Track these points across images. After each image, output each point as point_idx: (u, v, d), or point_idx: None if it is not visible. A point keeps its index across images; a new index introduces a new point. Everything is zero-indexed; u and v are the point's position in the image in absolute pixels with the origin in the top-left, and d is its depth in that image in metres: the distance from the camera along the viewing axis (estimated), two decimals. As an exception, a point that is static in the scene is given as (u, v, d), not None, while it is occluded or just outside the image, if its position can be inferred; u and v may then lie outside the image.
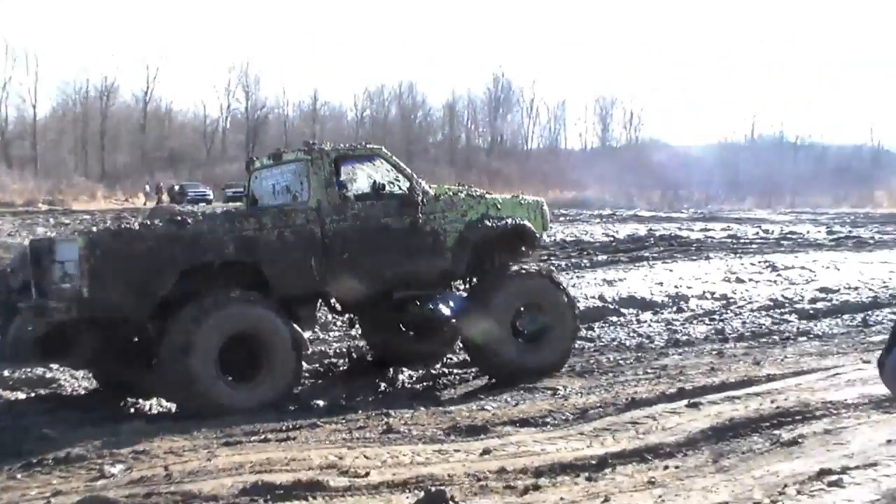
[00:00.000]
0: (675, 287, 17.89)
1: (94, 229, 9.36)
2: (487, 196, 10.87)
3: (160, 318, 8.78)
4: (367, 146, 10.59)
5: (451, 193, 10.60)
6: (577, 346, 11.77)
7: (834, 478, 5.56)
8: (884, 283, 18.33)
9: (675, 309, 15.43)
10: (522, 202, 11.14)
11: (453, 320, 10.46)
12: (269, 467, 6.22)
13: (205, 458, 6.60)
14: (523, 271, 10.59)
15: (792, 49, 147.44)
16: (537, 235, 11.24)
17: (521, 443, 7.01)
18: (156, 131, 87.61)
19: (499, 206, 10.82)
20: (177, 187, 63.17)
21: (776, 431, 6.86)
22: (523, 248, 11.18)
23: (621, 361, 10.96)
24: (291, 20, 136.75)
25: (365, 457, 6.57)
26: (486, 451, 6.71)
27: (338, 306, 10.85)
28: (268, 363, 8.98)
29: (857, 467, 5.77)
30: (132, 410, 9.59)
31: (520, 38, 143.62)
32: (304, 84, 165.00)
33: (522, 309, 10.45)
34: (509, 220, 10.80)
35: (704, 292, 17.37)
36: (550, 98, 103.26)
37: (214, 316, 8.70)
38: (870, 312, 14.98)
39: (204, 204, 51.90)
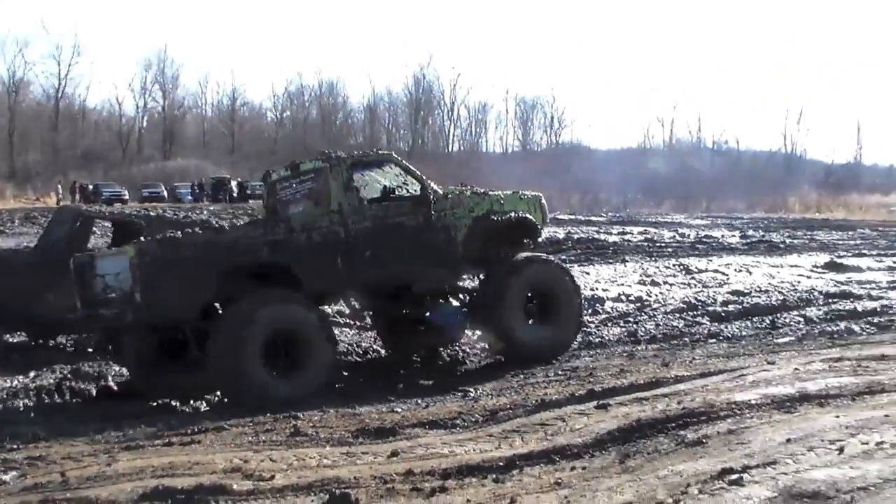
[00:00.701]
0: (591, 290, 18.09)
1: (143, 240, 10.20)
2: (491, 193, 11.77)
3: (202, 320, 9.60)
4: (379, 152, 11.55)
5: (457, 192, 11.52)
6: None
7: (735, 476, 5.65)
8: (792, 286, 18.78)
9: (590, 311, 15.57)
10: (523, 197, 12.03)
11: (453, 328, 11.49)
12: (171, 471, 6.12)
13: (104, 462, 6.47)
14: (532, 259, 11.71)
15: (708, 53, 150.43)
16: (539, 227, 12.22)
17: (429, 445, 7.00)
18: (69, 130, 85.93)
19: (502, 201, 11.74)
20: (90, 187, 61.98)
21: (681, 432, 6.95)
22: (527, 240, 12.14)
23: (532, 363, 11.00)
24: (211, 18, 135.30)
25: (271, 460, 6.50)
26: (394, 454, 6.69)
27: (356, 303, 11.66)
28: (307, 357, 9.73)
29: (757, 466, 5.87)
30: (32, 415, 9.37)
31: (442, 40, 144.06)
32: (223, 83, 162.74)
33: (531, 294, 11.41)
34: (513, 214, 11.74)
35: (620, 295, 17.61)
36: (472, 100, 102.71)
37: (261, 313, 9.45)
38: (778, 315, 15.34)
39: (119, 204, 50.96)
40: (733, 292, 17.76)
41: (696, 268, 22.33)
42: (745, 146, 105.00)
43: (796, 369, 9.41)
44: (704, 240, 31.28)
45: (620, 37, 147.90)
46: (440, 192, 11.31)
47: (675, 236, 34.46)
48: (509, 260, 11.62)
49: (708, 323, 14.43)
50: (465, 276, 12.02)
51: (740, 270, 21.89)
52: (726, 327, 14.19)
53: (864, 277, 20.83)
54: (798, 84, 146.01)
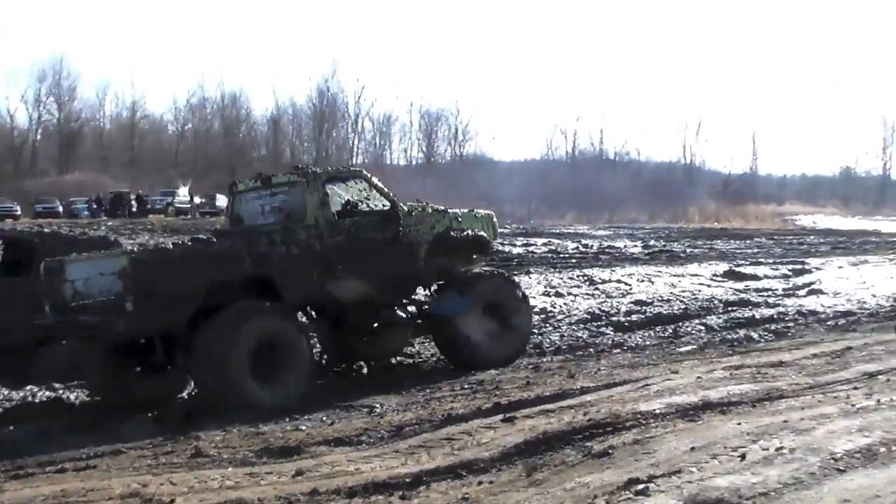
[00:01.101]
0: (496, 302, 18.15)
1: (133, 248, 10.64)
2: (449, 211, 12.45)
3: (188, 328, 9.77)
4: (351, 168, 12.32)
5: (419, 209, 12.04)
6: (395, 361, 12.59)
7: (641, 486, 5.69)
8: (693, 295, 19.19)
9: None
10: (477, 215, 12.86)
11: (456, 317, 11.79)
12: (63, 500, 5.89)
13: (-10, 493, 6.20)
14: (486, 273, 12.60)
15: (610, 65, 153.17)
16: (491, 244, 13.07)
17: (335, 463, 6.89)
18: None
19: (459, 219, 12.46)
20: (-21, 201, 59.90)
21: (588, 443, 6.98)
22: (480, 255, 12.83)
23: (437, 377, 10.99)
24: (110, 29, 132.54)
25: (171, 483, 6.31)
26: (298, 473, 6.57)
27: (313, 313, 11.92)
28: (289, 366, 10.09)
29: (662, 475, 5.92)
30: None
31: (346, 51, 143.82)
32: (123, 95, 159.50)
33: (486, 305, 12.02)
34: (470, 232, 12.45)
35: (525, 307, 17.71)
36: (376, 112, 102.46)
37: (248, 322, 9.79)
38: (680, 324, 15.65)
39: (11, 221, 49.44)
40: (636, 302, 18.06)
41: (600, 278, 22.65)
42: (646, 157, 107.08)
43: (699, 378, 9.57)
44: (607, 250, 31.77)
45: (523, 48, 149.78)
46: (405, 208, 11.81)
47: (578, 247, 34.89)
48: (465, 274, 12.36)
49: (612, 333, 14.62)
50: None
51: (643, 280, 22.26)
52: (630, 337, 14.40)
53: (762, 285, 21.43)
54: (696, 95, 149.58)
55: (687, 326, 15.47)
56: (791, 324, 15.53)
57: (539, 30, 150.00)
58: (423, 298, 12.49)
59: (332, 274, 10.91)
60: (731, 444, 6.64)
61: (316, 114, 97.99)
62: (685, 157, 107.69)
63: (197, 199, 47.65)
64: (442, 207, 12.52)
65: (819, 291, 20.07)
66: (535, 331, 15.24)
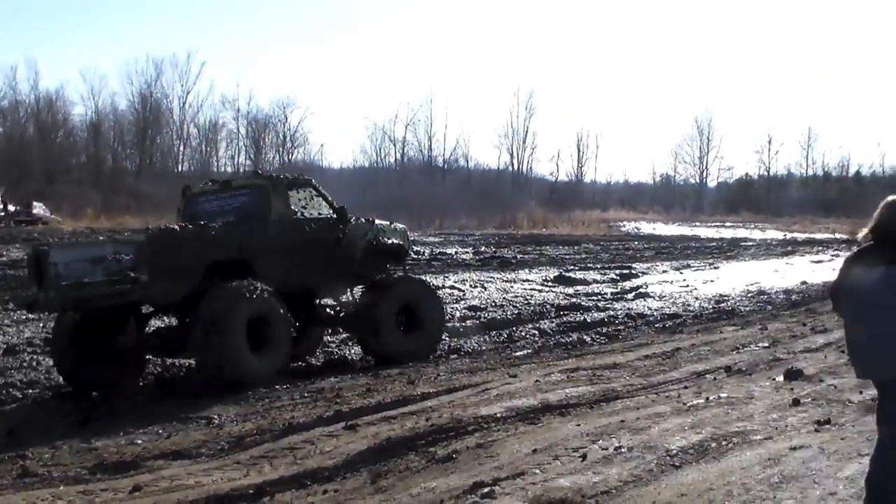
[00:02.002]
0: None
1: (150, 229, 11.84)
2: (376, 222, 13.98)
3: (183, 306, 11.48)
4: (303, 177, 13.51)
5: (353, 218, 13.40)
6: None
7: (486, 490, 5.79)
8: (526, 300, 19.60)
9: (329, 332, 15.56)
10: (396, 228, 14.35)
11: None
12: None
13: None
14: (405, 277, 14.13)
15: (438, 71, 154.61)
16: (408, 253, 14.92)
17: (174, 477, 6.73)
18: None
19: (385, 230, 13.95)
20: None
21: (431, 448, 7.05)
22: (396, 263, 14.25)
23: (277, 386, 10.86)
24: None
25: (-4, 506, 6.02)
26: (136, 488, 6.38)
27: None
28: (273, 339, 11.47)
29: (506, 478, 6.05)
30: None
31: (169, 54, 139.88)
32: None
33: (403, 306, 13.33)
34: (393, 241, 13.96)
35: (360, 314, 17.70)
36: (202, 119, 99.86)
37: (246, 299, 11.16)
38: (514, 328, 15.99)
39: None
40: (470, 308, 18.31)
41: (433, 285, 22.80)
42: (474, 164, 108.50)
43: (537, 381, 9.80)
44: (439, 256, 32.04)
45: (349, 51, 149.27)
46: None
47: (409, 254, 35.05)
48: (386, 278, 13.72)
49: (448, 339, 14.78)
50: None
51: (475, 286, 22.55)
52: (466, 342, 14.61)
53: (591, 290, 22.10)
54: (522, 100, 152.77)
55: (521, 331, 15.81)
56: (622, 327, 16.08)
57: (362, 34, 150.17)
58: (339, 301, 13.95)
59: (291, 265, 12.37)
60: (571, 445, 6.84)
61: (139, 119, 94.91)
62: (513, 164, 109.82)
63: (11, 207, 45.70)
64: (371, 218, 14.10)
65: (646, 295, 20.86)
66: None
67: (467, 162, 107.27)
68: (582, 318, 17.10)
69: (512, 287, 22.51)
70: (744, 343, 12.61)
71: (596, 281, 24.41)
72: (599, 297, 20.66)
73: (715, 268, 29.67)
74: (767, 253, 38.02)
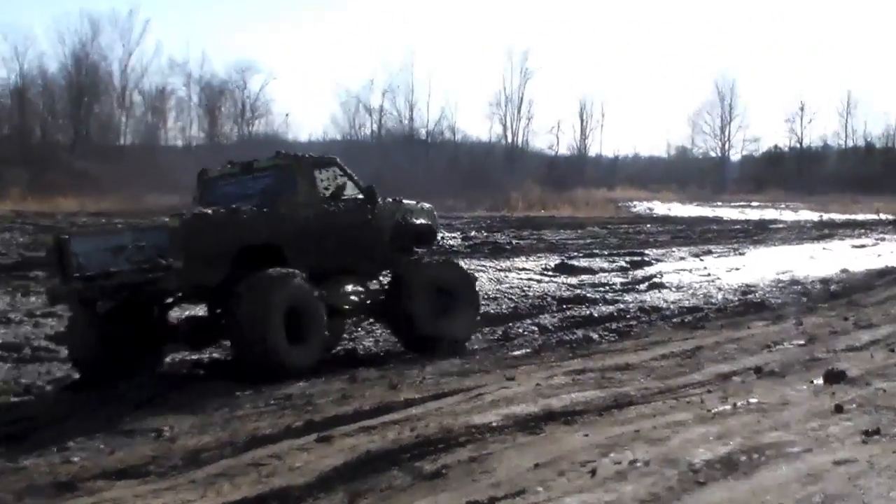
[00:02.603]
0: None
1: (182, 214, 12.53)
2: (403, 202, 15.10)
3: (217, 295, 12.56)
4: (328, 156, 14.50)
5: (379, 198, 14.42)
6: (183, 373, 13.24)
7: (482, 510, 5.78)
8: (523, 292, 19.63)
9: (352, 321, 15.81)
10: (424, 208, 15.51)
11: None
12: None
13: None
14: (437, 260, 15.46)
15: (419, 29, 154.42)
16: (436, 235, 16.15)
17: (118, 500, 6.70)
18: None
19: (412, 210, 15.15)
20: None
21: (417, 463, 7.03)
22: (425, 245, 15.67)
23: (238, 392, 10.85)
24: None
25: None
26: (73, 514, 6.34)
27: None
28: (313, 330, 12.60)
29: (504, 497, 6.02)
30: None
31: (108, 10, 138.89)
32: None
33: (436, 289, 14.36)
34: (421, 221, 15.19)
35: (331, 308, 17.73)
36: (147, 85, 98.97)
37: (284, 288, 12.25)
38: (511, 324, 16.06)
39: None
40: (460, 301, 18.30)
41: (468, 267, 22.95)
42: (462, 137, 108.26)
43: (537, 385, 9.80)
44: (424, 243, 32.10)
45: (317, 7, 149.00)
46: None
47: (390, 240, 35.11)
48: (417, 261, 14.89)
49: (435, 337, 14.76)
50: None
51: (466, 276, 22.56)
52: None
53: (598, 280, 22.21)
54: (516, 63, 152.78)
55: (519, 327, 15.88)
56: (634, 322, 16.18)
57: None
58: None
59: (321, 250, 13.36)
60: (579, 459, 6.82)
61: (72, 85, 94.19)
62: (506, 136, 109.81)
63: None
64: (398, 198, 15.17)
65: (661, 285, 20.99)
66: (346, 335, 15.32)
67: (454, 134, 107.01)
68: (588, 313, 17.17)
69: (507, 277, 22.54)
70: (776, 340, 12.64)
71: (603, 270, 24.49)
72: (608, 288, 20.74)
73: (740, 254, 29.84)
74: (801, 236, 38.29)
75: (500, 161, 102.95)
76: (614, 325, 15.78)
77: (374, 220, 14.32)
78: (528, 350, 13.72)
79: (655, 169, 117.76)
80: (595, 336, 14.79)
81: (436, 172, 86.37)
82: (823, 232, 40.64)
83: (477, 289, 15.49)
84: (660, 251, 30.36)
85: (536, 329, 15.71)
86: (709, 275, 23.24)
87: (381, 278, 15.03)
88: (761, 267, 24.71)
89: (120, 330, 12.91)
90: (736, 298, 18.73)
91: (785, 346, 12.20)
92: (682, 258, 28.26)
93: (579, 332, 15.11)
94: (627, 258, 27.46)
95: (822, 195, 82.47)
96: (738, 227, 44.38)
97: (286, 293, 12.25)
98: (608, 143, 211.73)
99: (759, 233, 40.23)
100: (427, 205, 15.83)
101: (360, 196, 14.20)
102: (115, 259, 12.36)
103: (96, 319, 12.91)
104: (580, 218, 50.69)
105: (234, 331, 12.20)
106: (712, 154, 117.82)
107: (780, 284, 20.76)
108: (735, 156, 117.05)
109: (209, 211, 12.69)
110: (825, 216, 56.05)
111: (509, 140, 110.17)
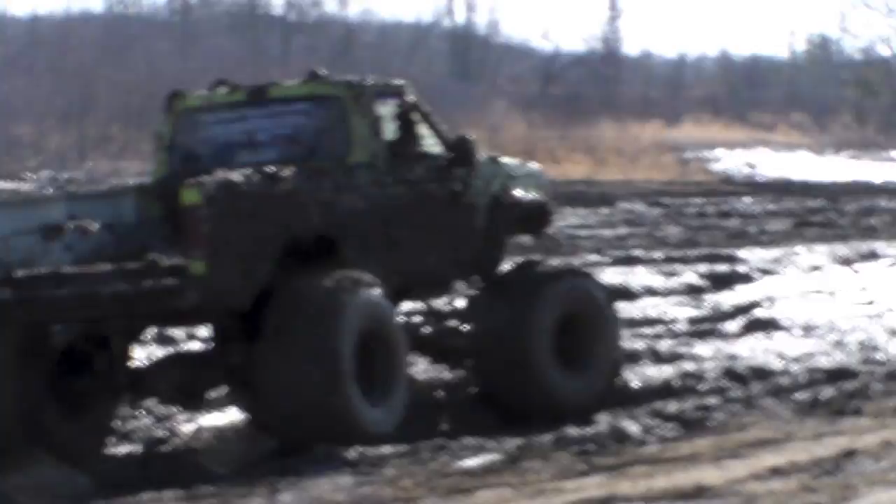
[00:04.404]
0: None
1: (200, 182, 13.52)
2: (500, 160, 17.19)
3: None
4: (393, 82, 16.46)
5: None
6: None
7: None
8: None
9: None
10: (532, 171, 17.88)
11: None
12: None
13: None
14: (565, 269, 17.98)
15: None
16: (552, 217, 18.29)
17: None
18: None
19: (516, 175, 17.20)
20: None
21: None
22: (531, 234, 18.35)
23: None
24: None
25: None
26: None
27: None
28: (393, 370, 14.38)
29: None
30: None
31: None
32: None
33: (562, 325, 16.23)
34: (531, 195, 17.20)
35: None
36: None
37: (357, 305, 13.89)
38: (457, 406, 16.11)
39: None
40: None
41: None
42: (362, 13, 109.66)
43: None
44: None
45: None
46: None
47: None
48: (531, 269, 16.96)
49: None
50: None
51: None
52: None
53: (642, 312, 22.47)
54: None
55: (474, 411, 15.93)
56: (715, 399, 16.23)
57: None
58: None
59: (391, 244, 15.14)
60: None
61: None
62: (451, 13, 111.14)
63: None
64: (494, 154, 17.43)
65: (771, 325, 21.13)
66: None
67: (344, 6, 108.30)
68: (621, 382, 17.26)
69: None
70: None
71: (654, 291, 24.63)
72: (663, 328, 20.85)
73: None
74: None
75: (444, 63, 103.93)
76: (674, 407, 15.84)
77: (466, 195, 16.05)
78: (494, 457, 13.75)
79: (765, 85, 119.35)
80: (635, 428, 14.81)
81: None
82: None
83: (618, 324, 17.57)
84: (770, 253, 30.73)
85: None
86: (871, 303, 23.43)
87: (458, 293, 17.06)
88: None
89: (75, 380, 14.28)
90: (928, 353, 18.82)
91: None
92: (814, 268, 28.53)
93: (602, 420, 15.15)
94: (704, 266, 27.85)
95: None
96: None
97: (361, 313, 13.85)
98: (660, 38, 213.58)
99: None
100: (535, 165, 18.25)
101: (444, 152, 15.87)
102: (46, 248, 13.38)
103: (39, 360, 13.97)
104: (607, 182, 50.90)
105: (271, 377, 13.53)
106: (883, 52, 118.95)
107: None
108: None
109: (241, 177, 13.88)
110: None
111: (457, 21, 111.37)
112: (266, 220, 13.66)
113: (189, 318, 14.95)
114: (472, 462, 13.53)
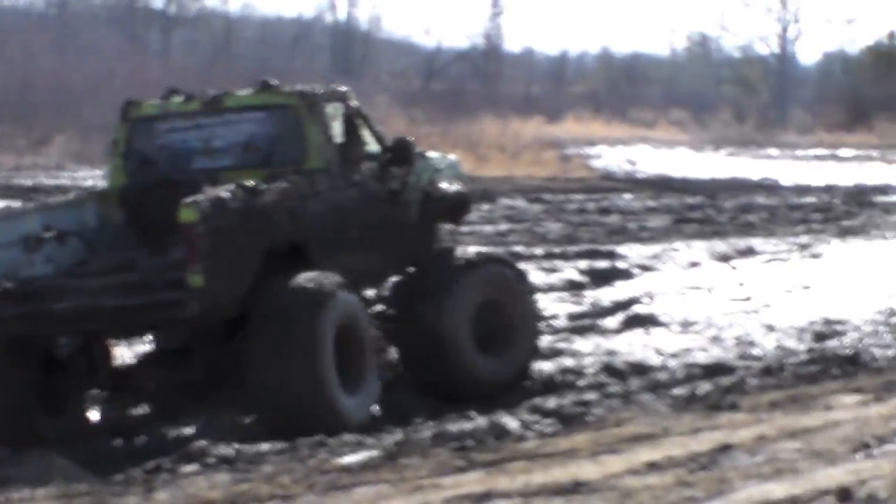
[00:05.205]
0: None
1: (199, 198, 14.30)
2: (425, 154, 18.23)
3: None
4: (337, 88, 17.32)
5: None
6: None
7: None
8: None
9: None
10: (450, 162, 19.05)
11: None
12: None
13: None
14: (482, 256, 18.61)
15: None
16: (470, 206, 19.88)
17: None
18: None
19: (439, 168, 18.34)
20: None
21: None
22: (454, 222, 19.70)
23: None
24: None
25: None
26: None
27: None
28: (365, 364, 15.43)
29: None
30: None
31: None
32: None
33: (481, 307, 17.25)
34: (454, 188, 18.39)
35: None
36: None
37: (334, 305, 14.72)
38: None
39: None
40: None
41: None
42: (243, 8, 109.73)
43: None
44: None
45: None
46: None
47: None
48: (449, 256, 17.91)
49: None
50: None
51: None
52: (220, 434, 14.75)
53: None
54: None
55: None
56: (594, 395, 16.34)
57: None
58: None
59: (348, 245, 16.07)
60: None
61: None
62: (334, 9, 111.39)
63: None
64: (420, 149, 17.99)
65: (650, 320, 21.48)
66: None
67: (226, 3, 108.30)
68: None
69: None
70: (882, 434, 12.83)
71: (535, 287, 24.62)
72: (542, 323, 20.88)
73: (813, 256, 30.34)
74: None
75: (326, 59, 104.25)
76: (553, 402, 15.89)
77: (404, 193, 17.10)
78: (373, 453, 13.77)
79: (645, 82, 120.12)
80: (514, 424, 14.84)
81: (178, 74, 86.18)
82: None
83: (536, 305, 18.97)
84: (649, 249, 30.96)
85: (392, 408, 15.81)
86: (748, 299, 23.72)
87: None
88: (855, 284, 25.33)
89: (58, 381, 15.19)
90: (803, 348, 19.08)
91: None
92: (693, 264, 28.77)
93: (479, 418, 15.19)
94: (583, 264, 28.15)
95: None
96: (809, 199, 45.13)
97: (336, 313, 14.74)
98: (544, 34, 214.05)
99: (854, 211, 40.95)
100: (452, 156, 19.50)
101: (383, 153, 16.92)
102: (29, 260, 14.26)
103: (25, 363, 14.93)
104: (489, 178, 50.94)
105: (261, 374, 14.50)
106: (761, 51, 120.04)
107: (894, 320, 21.09)
108: (809, 54, 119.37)
109: (228, 193, 14.64)
110: None
111: (339, 16, 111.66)
112: (250, 231, 14.46)
113: (183, 327, 15.30)
114: (350, 459, 13.56)
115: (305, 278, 14.68)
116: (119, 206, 16.00)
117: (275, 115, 15.98)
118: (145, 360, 15.88)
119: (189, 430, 15.72)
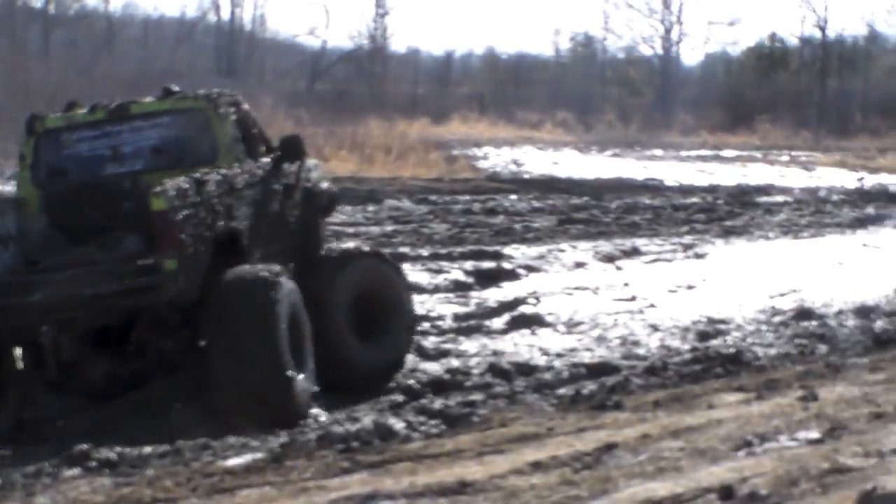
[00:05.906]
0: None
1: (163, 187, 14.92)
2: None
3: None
4: (228, 93, 17.77)
5: None
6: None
7: None
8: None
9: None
10: (317, 164, 19.86)
11: None
12: None
13: None
14: (355, 250, 19.01)
15: None
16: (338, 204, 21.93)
17: None
18: None
19: (312, 168, 19.18)
20: None
21: None
22: (325, 217, 20.19)
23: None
24: None
25: None
26: None
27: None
28: (307, 348, 16.02)
29: None
30: None
31: None
32: None
33: (357, 298, 17.84)
34: (326, 185, 19.80)
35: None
36: None
37: (284, 294, 15.27)
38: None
39: None
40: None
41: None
42: (124, 7, 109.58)
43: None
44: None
45: None
46: None
47: None
48: (326, 251, 18.67)
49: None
50: None
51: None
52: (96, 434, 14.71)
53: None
54: None
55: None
56: (480, 395, 16.42)
57: None
58: None
59: (268, 236, 16.91)
60: None
61: None
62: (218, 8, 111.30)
63: None
64: None
65: (536, 321, 21.58)
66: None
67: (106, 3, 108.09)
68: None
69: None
70: (763, 432, 12.95)
71: (420, 288, 24.69)
72: (429, 326, 20.95)
73: (697, 256, 30.52)
74: (819, 221, 39.15)
75: (209, 59, 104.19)
76: (439, 403, 15.92)
77: (296, 188, 18.09)
78: (258, 455, 13.75)
79: (530, 83, 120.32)
80: (399, 425, 14.86)
81: (59, 74, 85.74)
82: (866, 212, 41.62)
83: (411, 296, 19.57)
84: (535, 250, 30.96)
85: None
86: (633, 299, 23.94)
87: None
88: (738, 284, 25.57)
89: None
90: (686, 347, 19.20)
91: (782, 441, 12.54)
92: (578, 264, 28.83)
93: (366, 419, 15.22)
94: (469, 265, 28.24)
95: (869, 134, 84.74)
96: (693, 199, 45.33)
97: (288, 299, 15.29)
98: (426, 34, 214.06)
99: (736, 212, 41.13)
100: (313, 160, 19.87)
101: (274, 150, 17.96)
102: None
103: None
104: (375, 179, 50.97)
105: (222, 362, 14.98)
106: (645, 52, 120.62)
107: (776, 319, 21.39)
108: (692, 55, 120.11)
109: (188, 181, 15.18)
110: (869, 179, 57.26)
111: (222, 16, 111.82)
112: (202, 220, 15.04)
113: (146, 314, 15.48)
114: (235, 461, 13.55)
115: (256, 266, 15.44)
116: (42, 211, 16.38)
117: (182, 118, 16.58)
118: (94, 353, 15.89)
119: (74, 431, 15.39)
